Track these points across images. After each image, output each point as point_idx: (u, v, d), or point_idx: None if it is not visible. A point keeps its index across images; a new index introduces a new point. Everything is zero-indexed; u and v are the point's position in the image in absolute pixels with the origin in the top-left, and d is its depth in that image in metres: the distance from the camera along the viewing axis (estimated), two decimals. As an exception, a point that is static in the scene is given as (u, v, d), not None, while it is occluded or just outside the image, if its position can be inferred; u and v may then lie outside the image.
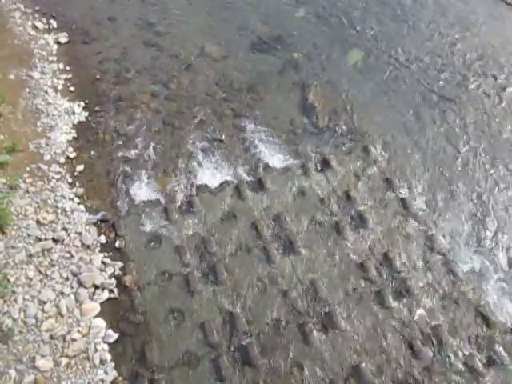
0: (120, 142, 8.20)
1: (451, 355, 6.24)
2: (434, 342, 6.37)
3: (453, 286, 6.88)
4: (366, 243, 7.27)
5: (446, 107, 9.11)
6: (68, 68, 9.18)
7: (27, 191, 7.08)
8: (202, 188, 7.72)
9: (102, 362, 5.90)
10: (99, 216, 7.20)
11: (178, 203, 7.53)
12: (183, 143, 8.31)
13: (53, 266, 6.47)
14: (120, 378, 5.83)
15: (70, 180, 7.51)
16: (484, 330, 6.48)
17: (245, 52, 9.73)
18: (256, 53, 9.75)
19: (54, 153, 7.75)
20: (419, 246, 7.27)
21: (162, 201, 7.54)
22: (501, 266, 7.08)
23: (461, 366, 6.19)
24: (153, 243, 7.03)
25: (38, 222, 6.77)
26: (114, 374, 5.85)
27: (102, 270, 6.63)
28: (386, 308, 6.65)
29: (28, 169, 7.39)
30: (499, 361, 6.18)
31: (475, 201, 7.84)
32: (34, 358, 5.74)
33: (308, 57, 9.78)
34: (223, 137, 8.46)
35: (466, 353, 6.28)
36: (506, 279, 6.96)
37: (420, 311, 6.60)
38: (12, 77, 8.52)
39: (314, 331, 6.35)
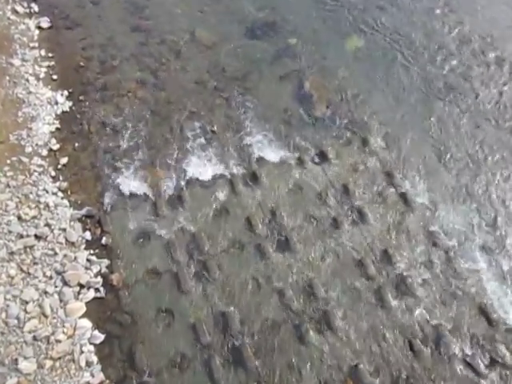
0: (106, 133, 8.21)
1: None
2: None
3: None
4: (365, 239, 7.31)
5: (451, 96, 9.09)
6: (50, 55, 9.13)
7: (8, 185, 7.07)
8: (193, 181, 7.75)
9: (88, 364, 5.94)
10: (84, 211, 7.24)
11: (168, 197, 7.55)
12: (173, 134, 8.33)
13: (36, 263, 6.48)
14: (107, 381, 5.87)
15: (53, 173, 7.51)
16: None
17: (238, 38, 9.71)
18: (249, 39, 9.73)
19: (36, 145, 7.74)
20: (420, 243, 7.31)
21: (151, 195, 7.58)
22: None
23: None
24: (141, 240, 7.09)
25: (19, 217, 6.78)
26: (100, 376, 5.89)
27: (87, 268, 6.70)
28: (385, 307, 6.69)
29: (9, 162, 7.36)
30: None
31: (484, 199, 7.84)
32: (16, 360, 5.77)
33: (304, 43, 9.75)
34: (215, 127, 8.47)
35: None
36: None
37: (420, 311, 6.65)
38: (-10, 64, 8.51)
39: (311, 331, 6.40)
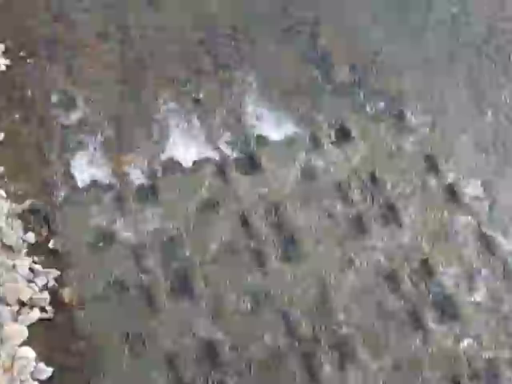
0: (57, 103, 8.18)
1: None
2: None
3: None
4: (399, 246, 7.27)
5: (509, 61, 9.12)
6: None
7: None
8: (172, 167, 7.76)
9: (31, 408, 5.95)
10: (27, 205, 7.20)
11: (138, 188, 7.56)
12: (145, 105, 8.31)
13: (-40, 274, 6.50)
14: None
15: (-17, 154, 7.56)
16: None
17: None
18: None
19: (-41, 115, 7.82)
20: (472, 250, 7.31)
21: (116, 184, 7.55)
22: None
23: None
24: (102, 243, 7.07)
25: None
26: (47, 424, 5.89)
27: (30, 281, 6.65)
28: (423, 334, 6.65)
29: None
30: None
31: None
32: None
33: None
34: (201, 96, 8.43)
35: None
36: None
37: (469, 340, 6.63)
38: None
39: (325, 365, 6.38)
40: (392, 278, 7.04)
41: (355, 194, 7.67)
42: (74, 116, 8.10)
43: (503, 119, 8.52)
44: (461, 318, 6.76)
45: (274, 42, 9.10)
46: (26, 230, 7.02)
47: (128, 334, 6.44)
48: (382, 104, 8.55)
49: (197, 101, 8.38)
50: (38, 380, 6.08)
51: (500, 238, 7.40)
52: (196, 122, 8.23)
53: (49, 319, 6.49)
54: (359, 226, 7.41)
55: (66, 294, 6.68)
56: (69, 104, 8.18)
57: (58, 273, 6.80)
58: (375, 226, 7.44)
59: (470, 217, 7.57)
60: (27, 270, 6.69)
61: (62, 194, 7.38)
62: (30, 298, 6.52)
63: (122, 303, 6.65)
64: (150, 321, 6.55)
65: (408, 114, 8.45)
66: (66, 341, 6.38)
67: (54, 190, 7.39)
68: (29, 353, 6.20)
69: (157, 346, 6.40)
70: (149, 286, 6.78)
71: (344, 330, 6.62)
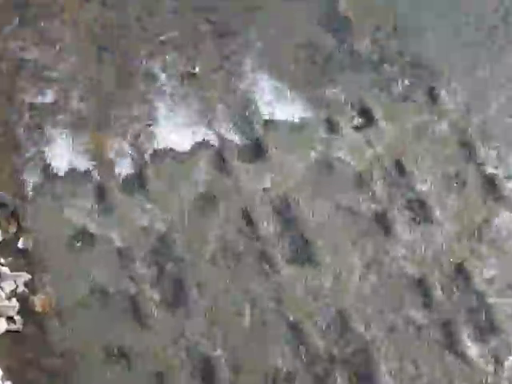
0: (26, 75, 8.14)
1: None
2: None
3: None
4: (430, 248, 7.21)
5: None
6: None
7: None
8: (163, 153, 7.70)
9: None
10: None
11: (123, 178, 7.54)
12: (132, 79, 8.24)
13: None
14: None
15: None
16: None
17: None
18: None
19: None
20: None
21: (96, 173, 7.53)
22: None
23: None
24: (80, 242, 7.03)
25: None
26: None
27: None
28: (458, 353, 6.59)
29: None
30: None
31: None
32: None
33: None
34: (197, 69, 8.36)
35: None
36: None
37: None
38: None
39: (343, 388, 6.37)
40: (421, 286, 6.97)
41: (378, 187, 7.61)
42: (49, 91, 8.08)
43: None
44: (504, 336, 6.72)
45: (284, 4, 9.05)
46: (-10, 227, 7.05)
47: (111, 350, 6.41)
48: (410, 81, 8.49)
49: (192, 74, 8.35)
50: (4, 403, 6.13)
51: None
52: (191, 99, 8.16)
53: (17, 331, 6.47)
54: (383, 224, 7.35)
55: (38, 301, 6.63)
56: (41, 78, 8.17)
57: (29, 276, 6.76)
58: (401, 224, 7.36)
59: (512, 214, 7.57)
60: (-8, 274, 6.74)
61: (34, 185, 7.37)
62: (-4, 307, 6.54)
63: (104, 313, 6.59)
64: (136, 334, 6.51)
65: (441, 93, 8.39)
66: (37, 356, 6.34)
67: (25, 179, 7.39)
68: (-6, 370, 6.23)
69: (144, 363, 6.36)
70: (136, 293, 6.73)
71: (364, 346, 6.57)
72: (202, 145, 7.79)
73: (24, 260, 6.84)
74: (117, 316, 6.61)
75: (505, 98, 8.44)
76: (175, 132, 7.85)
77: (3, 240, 6.93)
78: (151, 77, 8.27)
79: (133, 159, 7.64)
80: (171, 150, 7.72)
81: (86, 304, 6.64)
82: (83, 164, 7.58)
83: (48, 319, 6.51)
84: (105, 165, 7.57)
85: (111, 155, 7.66)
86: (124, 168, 7.59)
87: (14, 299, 6.60)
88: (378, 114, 8.15)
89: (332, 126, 8.02)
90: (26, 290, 6.69)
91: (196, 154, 7.70)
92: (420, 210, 7.49)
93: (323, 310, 6.75)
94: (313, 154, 7.78)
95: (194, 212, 7.30)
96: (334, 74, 8.47)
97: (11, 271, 6.75)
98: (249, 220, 7.28)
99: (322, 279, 6.96)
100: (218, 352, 6.45)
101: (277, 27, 8.81)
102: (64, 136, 7.74)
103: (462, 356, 6.56)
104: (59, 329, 6.47)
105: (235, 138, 7.88)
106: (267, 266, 7.00)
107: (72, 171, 7.51)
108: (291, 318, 6.69)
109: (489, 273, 7.11)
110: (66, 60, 8.29)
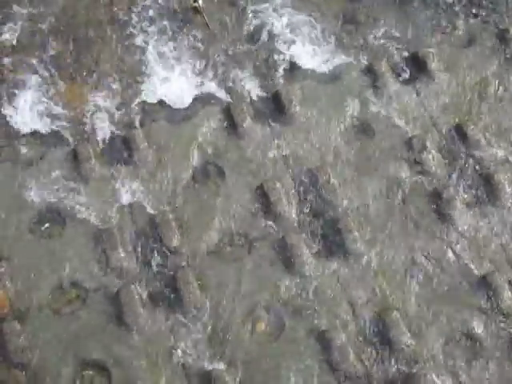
0: None
1: None
2: None
3: None
4: (498, 236, 6.57)
5: None
6: None
7: None
8: (155, 111, 7.24)
9: None
10: None
11: (105, 143, 7.06)
12: (115, 15, 7.83)
13: None
14: None
15: None
16: None
17: None
18: None
19: None
20: None
21: (69, 136, 7.07)
22: None
23: None
24: (48, 225, 6.52)
25: None
26: None
27: None
28: None
29: None
30: None
31: None
32: None
33: None
34: (200, 2, 7.80)
35: None
36: None
37: None
38: None
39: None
40: (485, 288, 6.25)
41: (432, 159, 6.95)
42: (10, 32, 7.69)
43: None
44: None
45: None
46: None
47: (86, 362, 5.80)
48: (475, 22, 7.86)
49: (195, 10, 7.82)
50: (-48, 422, 5.86)
51: None
52: (192, 40, 7.67)
53: (-32, 335, 6.17)
54: (437, 206, 6.66)
55: (-4, 299, 6.36)
56: (5, 15, 7.75)
57: (-19, 269, 6.55)
58: (461, 207, 6.66)
59: None
60: None
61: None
62: None
63: (78, 315, 5.99)
64: (119, 342, 5.92)
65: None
66: (-6, 366, 6.13)
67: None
68: None
69: (128, 379, 5.78)
70: (119, 290, 6.11)
71: (410, 362, 5.91)
72: (206, 100, 7.26)
73: (-22, 247, 6.71)
74: (94, 318, 6.00)
75: None
76: (171, 83, 7.37)
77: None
78: (141, 9, 7.84)
79: (117, 118, 7.14)
80: (165, 106, 7.25)
81: (55, 303, 6.10)
82: (54, 122, 7.12)
83: (6, 322, 5.97)
84: (81, 125, 7.09)
85: (89, 113, 7.20)
86: (106, 129, 7.09)
87: (-35, 297, 6.43)
88: (433, 62, 7.62)
89: (373, 78, 7.47)
90: (-20, 285, 6.48)
91: (197, 111, 7.14)
92: (485, 188, 6.87)
93: (359, 315, 6.07)
94: (348, 113, 7.20)
95: (194, 188, 6.75)
96: (374, 11, 7.95)
97: (-39, 261, 6.56)
98: (265, 199, 6.66)
99: (356, 277, 6.31)
100: (222, 366, 5.81)
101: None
102: (31, 88, 7.33)
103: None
104: (20, 333, 5.89)
105: (248, 90, 7.36)
106: (287, 259, 6.34)
107: (38, 134, 7.09)
108: (317, 325, 6.03)
109: None
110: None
